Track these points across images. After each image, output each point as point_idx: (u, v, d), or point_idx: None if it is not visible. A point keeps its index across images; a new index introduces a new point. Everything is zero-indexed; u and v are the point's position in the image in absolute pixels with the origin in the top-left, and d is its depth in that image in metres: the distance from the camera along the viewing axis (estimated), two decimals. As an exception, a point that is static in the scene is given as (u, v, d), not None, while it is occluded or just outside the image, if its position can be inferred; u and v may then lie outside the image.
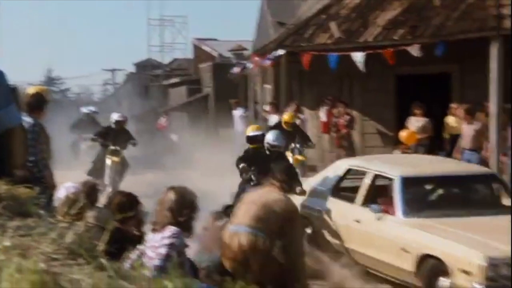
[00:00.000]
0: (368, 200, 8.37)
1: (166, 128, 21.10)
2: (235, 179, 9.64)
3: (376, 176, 8.56)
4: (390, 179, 8.35)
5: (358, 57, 14.21)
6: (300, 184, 9.10)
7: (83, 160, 14.89)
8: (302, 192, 9.01)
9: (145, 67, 36.37)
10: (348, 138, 15.07)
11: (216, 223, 5.98)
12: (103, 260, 4.01)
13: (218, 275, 5.54)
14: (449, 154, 13.19)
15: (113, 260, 4.56)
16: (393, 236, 7.74)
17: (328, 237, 8.75)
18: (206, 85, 27.20)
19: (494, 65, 13.02)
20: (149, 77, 34.67)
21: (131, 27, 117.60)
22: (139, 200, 5.43)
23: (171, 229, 4.47)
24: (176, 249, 4.42)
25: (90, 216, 5.41)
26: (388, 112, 15.59)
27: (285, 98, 16.28)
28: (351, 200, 8.68)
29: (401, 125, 14.55)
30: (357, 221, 8.26)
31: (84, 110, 17.78)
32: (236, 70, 20.43)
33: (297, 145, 13.21)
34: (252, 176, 9.13)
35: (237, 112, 19.04)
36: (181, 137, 20.53)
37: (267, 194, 5.95)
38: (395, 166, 8.71)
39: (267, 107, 16.98)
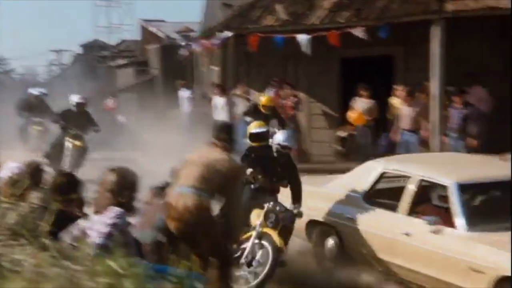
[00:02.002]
0: (414, 210, 7.49)
1: (114, 109, 20.97)
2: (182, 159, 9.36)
3: (421, 182, 7.55)
4: (442, 186, 7.36)
5: (304, 39, 14.37)
6: (298, 200, 8.09)
7: (33, 144, 14.57)
8: (299, 214, 8.03)
9: (92, 48, 35.99)
10: (295, 119, 15.24)
11: (156, 199, 6.02)
12: (46, 241, 4.07)
13: (164, 236, 5.61)
14: (392, 135, 13.50)
15: (56, 241, 4.61)
16: (456, 253, 6.76)
17: (363, 249, 7.83)
18: (154, 67, 27.10)
19: (436, 47, 13.32)
20: (96, 58, 34.33)
21: (76, 8, 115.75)
22: (80, 180, 5.45)
23: (114, 210, 4.53)
24: (119, 228, 4.48)
25: (34, 197, 5.41)
26: (333, 94, 15.80)
27: (232, 80, 16.38)
28: (391, 208, 7.72)
29: (346, 107, 14.79)
30: (406, 234, 7.30)
31: (33, 91, 16.51)
32: (183, 51, 20.41)
33: (276, 130, 12.57)
34: (255, 179, 7.93)
35: (184, 93, 19.05)
36: (128, 118, 20.45)
37: (210, 154, 5.89)
38: (446, 171, 7.61)
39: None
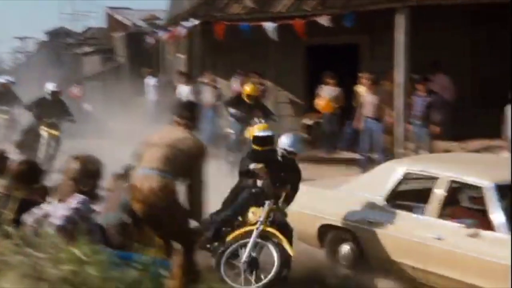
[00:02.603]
0: (445, 212, 7.13)
1: (80, 97, 20.82)
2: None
3: (451, 183, 7.18)
4: (475, 187, 7.06)
5: (270, 27, 14.44)
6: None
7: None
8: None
9: (58, 36, 35.63)
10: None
11: (120, 182, 5.98)
12: (9, 228, 4.09)
13: (129, 217, 5.60)
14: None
15: (19, 229, 4.61)
16: (497, 257, 6.40)
17: (386, 255, 7.39)
18: (120, 55, 26.96)
19: (401, 36, 13.46)
20: (61, 45, 34.00)
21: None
22: (42, 168, 5.45)
23: (77, 197, 4.54)
24: (80, 214, 4.50)
25: (-2, 185, 5.40)
26: (299, 82, 15.90)
27: (198, 68, 16.38)
28: (417, 211, 7.37)
29: (312, 95, 14.90)
30: (438, 238, 6.93)
31: None
32: (150, 39, 20.34)
33: (262, 120, 12.33)
34: (266, 175, 7.44)
35: (150, 81, 19.01)
36: (94, 106, 20.34)
37: (172, 133, 5.80)
38: (479, 171, 7.24)
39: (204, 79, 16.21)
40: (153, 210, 5.33)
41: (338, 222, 7.86)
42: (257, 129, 8.15)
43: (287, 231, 7.17)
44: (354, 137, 13.89)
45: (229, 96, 14.56)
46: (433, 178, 7.29)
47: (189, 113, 5.94)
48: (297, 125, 15.40)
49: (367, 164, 13.40)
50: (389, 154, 13.51)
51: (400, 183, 7.66)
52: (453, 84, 13.75)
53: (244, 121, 12.59)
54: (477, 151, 12.97)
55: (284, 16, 14.64)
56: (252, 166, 7.31)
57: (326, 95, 14.56)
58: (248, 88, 12.87)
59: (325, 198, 8.19)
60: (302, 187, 7.97)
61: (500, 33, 13.52)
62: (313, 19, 13.99)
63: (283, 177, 7.48)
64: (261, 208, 7.19)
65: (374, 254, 7.50)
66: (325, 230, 8.04)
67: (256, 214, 7.18)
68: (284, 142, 7.71)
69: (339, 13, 13.91)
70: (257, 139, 7.93)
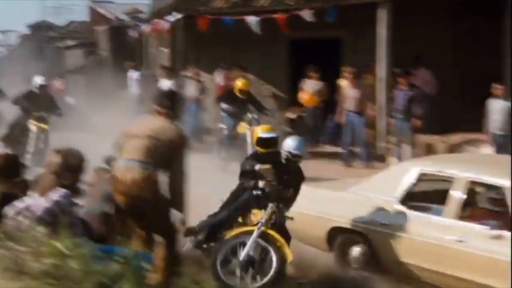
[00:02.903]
0: (464, 214, 6.94)
1: (62, 91, 20.72)
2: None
3: (470, 184, 7.01)
4: (496, 188, 6.88)
5: (253, 21, 14.47)
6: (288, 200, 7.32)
7: None
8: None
9: (40, 29, 35.39)
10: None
11: (100, 176, 5.95)
12: (-10, 222, 4.10)
13: (111, 208, 5.58)
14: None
15: (0, 223, 4.63)
16: None
17: (401, 257, 7.19)
18: (103, 48, 26.85)
19: (383, 30, 13.53)
20: (44, 39, 33.80)
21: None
22: (23, 163, 5.44)
23: (58, 190, 4.55)
24: (61, 207, 4.50)
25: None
26: (282, 76, 15.94)
27: (181, 61, 16.38)
28: (434, 212, 7.18)
29: (295, 88, 14.95)
30: (459, 241, 6.72)
31: None
32: (132, 33, 20.29)
33: (254, 115, 12.25)
34: (261, 185, 7.21)
35: (133, 75, 18.97)
36: (77, 100, 20.27)
37: (153, 123, 5.72)
38: (499, 172, 6.98)
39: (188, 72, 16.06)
40: (135, 201, 5.32)
41: (349, 225, 7.64)
42: (261, 131, 7.81)
43: (286, 235, 7.06)
44: (336, 131, 13.97)
45: (212, 90, 14.56)
46: (451, 179, 7.10)
47: (169, 102, 5.86)
48: (280, 119, 15.45)
49: (349, 158, 13.49)
50: (371, 148, 13.64)
51: (414, 184, 7.44)
52: (434, 78, 13.85)
53: (237, 116, 12.44)
54: (458, 144, 13.09)
55: (267, 10, 14.67)
56: (258, 166, 7.13)
57: (309, 89, 14.63)
58: (240, 83, 12.67)
59: (335, 200, 7.97)
60: (311, 189, 7.91)
61: (481, 27, 13.62)
62: (295, 13, 14.03)
63: (286, 180, 7.29)
64: (263, 210, 7.04)
65: (389, 257, 7.30)
66: (335, 233, 7.81)
67: (257, 216, 7.04)
68: (289, 144, 7.48)
69: (322, 7, 13.95)
70: (261, 141, 7.67)
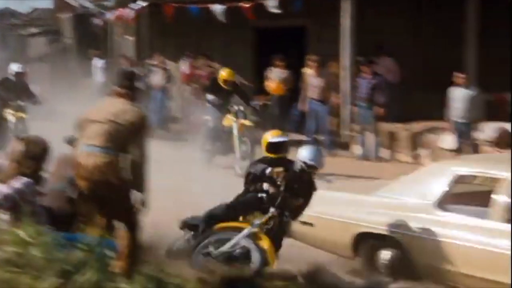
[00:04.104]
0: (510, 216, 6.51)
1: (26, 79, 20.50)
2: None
3: None
4: None
5: (218, 9, 14.48)
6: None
7: None
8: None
9: (2, 16, 34.89)
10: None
11: (62, 160, 5.87)
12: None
13: (74, 192, 5.55)
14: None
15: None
16: None
17: (441, 264, 6.80)
18: (67, 36, 26.61)
19: (346, 19, 13.65)
20: (6, 26, 33.34)
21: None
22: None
23: (21, 179, 4.55)
24: (22, 194, 4.50)
25: None
26: (248, 64, 15.97)
27: (147, 50, 16.34)
28: (477, 215, 6.71)
29: (261, 77, 15.00)
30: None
31: None
32: (97, 21, 20.16)
33: (241, 107, 11.76)
34: (284, 179, 6.89)
35: (97, 63, 18.86)
36: (41, 88, 20.09)
37: (113, 106, 5.63)
38: None
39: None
40: (97, 187, 5.31)
41: (380, 230, 7.21)
42: (271, 136, 7.35)
43: (277, 244, 6.78)
44: (301, 119, 14.07)
45: (178, 78, 14.51)
46: (495, 179, 6.73)
47: (129, 82, 5.78)
48: (245, 107, 15.49)
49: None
50: (335, 136, 13.78)
51: (452, 185, 7.03)
52: (397, 66, 14.01)
53: (222, 108, 11.90)
54: (421, 132, 13.29)
55: (232, -1, 14.68)
56: (269, 170, 6.83)
57: (275, 77, 14.69)
58: (224, 73, 12.11)
59: (362, 204, 7.49)
60: (332, 192, 7.73)
61: (443, 16, 13.80)
62: (260, 1, 14.06)
63: (296, 189, 6.92)
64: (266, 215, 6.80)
65: (426, 263, 6.93)
66: (362, 239, 7.37)
67: (259, 217, 6.79)
68: (303, 155, 7.04)
69: (287, -4, 14.00)
70: (271, 146, 7.24)
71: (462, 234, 6.67)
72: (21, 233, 4.05)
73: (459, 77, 12.14)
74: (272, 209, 6.76)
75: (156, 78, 15.69)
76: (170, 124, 15.83)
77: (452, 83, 12.18)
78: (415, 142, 13.26)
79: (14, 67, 12.99)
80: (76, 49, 24.63)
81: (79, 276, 4.70)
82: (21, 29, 32.11)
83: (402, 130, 13.45)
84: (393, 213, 7.15)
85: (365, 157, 13.12)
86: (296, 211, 6.99)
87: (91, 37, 22.02)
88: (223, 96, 11.93)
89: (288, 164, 7.09)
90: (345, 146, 13.63)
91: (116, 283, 4.91)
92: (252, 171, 7.03)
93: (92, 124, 5.45)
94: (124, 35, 19.09)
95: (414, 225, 6.97)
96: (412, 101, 13.34)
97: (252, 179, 6.98)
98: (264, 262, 6.49)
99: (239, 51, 15.80)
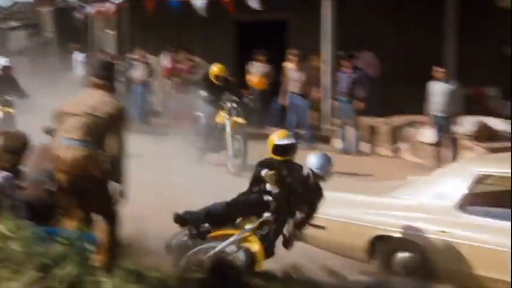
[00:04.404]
0: None
1: (6, 73, 20.37)
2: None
3: None
4: None
5: (199, 3, 14.48)
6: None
7: None
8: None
9: (-18, 10, 34.62)
10: (191, 83, 15.37)
11: (41, 151, 5.83)
12: None
13: (53, 185, 5.53)
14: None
15: None
16: None
17: (464, 267, 6.63)
18: (48, 29, 26.47)
19: (327, 13, 13.69)
20: (-14, 20, 33.10)
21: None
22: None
23: (0, 173, 4.54)
24: (0, 189, 4.49)
25: None
26: (229, 58, 15.96)
27: (128, 44, 16.31)
28: (501, 217, 6.51)
29: (242, 71, 15.02)
30: None
31: None
32: (78, 14, 20.07)
33: (234, 104, 11.48)
34: (276, 182, 6.63)
35: (78, 57, 18.80)
36: (22, 82, 19.98)
37: (90, 98, 5.60)
38: None
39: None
40: (77, 180, 5.31)
41: (397, 233, 7.03)
42: (277, 138, 7.02)
43: (269, 252, 6.54)
44: (282, 113, 14.11)
45: (159, 73, 14.49)
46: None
47: (106, 72, 5.75)
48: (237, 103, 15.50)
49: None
50: (316, 130, 13.83)
51: (472, 186, 6.83)
52: (378, 61, 14.09)
53: (215, 104, 11.62)
54: (401, 126, 13.38)
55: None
56: (264, 172, 6.59)
57: (256, 71, 14.71)
58: (216, 68, 11.83)
59: (378, 206, 7.29)
60: (345, 195, 7.55)
61: (423, 11, 13.88)
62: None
63: (300, 195, 6.68)
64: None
65: (448, 266, 6.77)
66: (378, 242, 7.19)
67: (253, 222, 6.58)
68: (312, 162, 6.77)
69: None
70: (277, 148, 6.89)
71: (484, 236, 6.49)
72: (1, 227, 4.05)
73: (438, 71, 12.22)
74: (266, 214, 6.53)
75: (137, 72, 15.67)
76: (151, 118, 15.82)
77: (431, 78, 12.26)
78: (395, 136, 13.35)
79: (2, 61, 12.83)
80: (56, 43, 24.51)
81: (58, 270, 4.70)
82: (1, 22, 31.90)
83: (382, 124, 13.54)
84: (411, 215, 6.97)
85: (345, 151, 13.18)
86: (302, 221, 6.71)
87: (71, 31, 21.92)
88: (215, 92, 11.65)
89: (294, 167, 6.81)
90: (326, 140, 13.70)
91: (96, 277, 4.91)
92: (254, 172, 6.82)
93: (70, 117, 5.43)
94: (105, 29, 19.04)
95: (434, 227, 6.80)
96: (392, 95, 13.42)
97: (254, 180, 6.78)
98: (250, 263, 6.32)
99: (220, 45, 15.81)
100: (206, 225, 6.61)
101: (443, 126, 12.19)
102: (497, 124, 12.63)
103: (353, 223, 7.37)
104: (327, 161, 6.82)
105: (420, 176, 8.27)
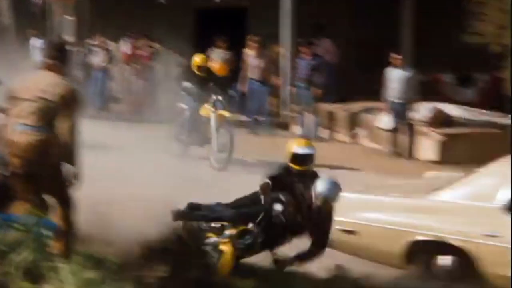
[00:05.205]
0: None
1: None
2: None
3: None
4: None
5: (159, -10, 14.45)
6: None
7: None
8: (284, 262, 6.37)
9: None
10: (151, 70, 15.36)
11: None
12: None
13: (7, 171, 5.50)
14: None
15: None
16: None
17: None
18: (4, 16, 26.11)
19: (286, 0, 13.78)
20: None
21: None
22: None
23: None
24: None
25: None
26: (189, 45, 15.96)
27: (87, 30, 16.19)
28: None
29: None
30: None
31: None
32: (37, 0, 19.83)
33: (219, 97, 11.07)
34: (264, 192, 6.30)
35: (35, 43, 18.60)
36: (-21, 69, 19.72)
37: (42, 81, 5.49)
38: None
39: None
40: (31, 165, 5.30)
41: (438, 237, 6.71)
42: (296, 145, 6.59)
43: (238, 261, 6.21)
44: (241, 99, 14.18)
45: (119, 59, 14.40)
46: None
47: (58, 53, 5.64)
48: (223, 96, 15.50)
49: (255, 126, 13.74)
50: (275, 116, 13.94)
51: None
52: (336, 48, 14.22)
53: (198, 97, 11.23)
54: (359, 113, 13.56)
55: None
56: (263, 182, 6.30)
57: (217, 58, 14.71)
58: (197, 59, 11.47)
59: (416, 209, 6.93)
60: (378, 197, 7.24)
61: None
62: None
63: (307, 214, 6.32)
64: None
65: (491, 271, 6.47)
66: (418, 246, 6.83)
67: (232, 230, 6.24)
68: (319, 187, 6.32)
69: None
70: (295, 157, 6.48)
71: None
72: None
73: (395, 58, 12.40)
74: (250, 225, 6.19)
75: (97, 59, 15.57)
76: (111, 104, 15.76)
77: (389, 64, 12.43)
78: (353, 122, 13.53)
79: None
80: (14, 29, 24.21)
81: (15, 255, 4.73)
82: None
83: (341, 110, 13.70)
84: (454, 218, 6.64)
85: (304, 137, 13.29)
86: (309, 253, 6.33)
87: (29, 17, 21.66)
88: (198, 83, 11.27)
89: (310, 179, 6.39)
90: (285, 126, 13.82)
91: (53, 263, 4.95)
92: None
93: (22, 102, 5.40)
94: (64, 14, 18.85)
95: (478, 231, 6.47)
96: (350, 82, 13.57)
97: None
98: (217, 262, 6.06)
99: (180, 32, 15.76)
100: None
101: (400, 112, 12.38)
102: (452, 110, 12.88)
103: (388, 228, 6.96)
104: (334, 187, 6.37)
105: (439, 173, 8.19)
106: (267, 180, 6.30)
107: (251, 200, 6.45)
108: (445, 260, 6.70)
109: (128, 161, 10.25)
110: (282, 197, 6.32)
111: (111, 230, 6.74)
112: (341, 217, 6.78)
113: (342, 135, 13.57)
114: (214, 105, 11.00)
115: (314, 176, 6.46)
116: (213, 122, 10.97)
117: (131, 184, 8.75)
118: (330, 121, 13.69)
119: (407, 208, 7.00)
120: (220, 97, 11.01)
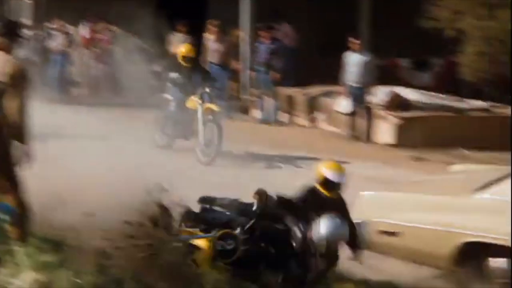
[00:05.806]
0: None
1: None
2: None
3: None
4: None
5: (118, -27, 14.35)
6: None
7: None
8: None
9: None
10: (110, 53, 15.29)
11: None
12: None
13: None
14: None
15: None
16: None
17: None
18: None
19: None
20: None
21: None
22: None
23: None
24: None
25: None
26: (149, 28, 15.91)
27: (45, 13, 16.03)
28: None
29: (162, 42, 15.00)
30: None
31: None
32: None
33: (207, 89, 10.62)
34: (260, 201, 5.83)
35: (-7, 28, 18.37)
36: None
37: None
38: None
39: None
40: None
41: (492, 239, 6.27)
42: (329, 170, 6.08)
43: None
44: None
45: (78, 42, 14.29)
46: None
47: (6, 30, 5.53)
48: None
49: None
50: (235, 100, 14.01)
51: None
52: (294, 32, 14.32)
53: (184, 88, 10.84)
54: (317, 97, 13.70)
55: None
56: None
57: (178, 42, 14.71)
58: (183, 49, 11.08)
59: (464, 208, 6.50)
60: (420, 196, 6.88)
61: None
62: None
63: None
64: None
65: None
66: (469, 249, 6.41)
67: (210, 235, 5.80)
68: (323, 226, 5.74)
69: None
70: (326, 182, 6.03)
71: None
72: None
73: (353, 42, 12.55)
74: (238, 230, 5.74)
75: (56, 42, 15.45)
76: (70, 88, 15.66)
77: (347, 48, 12.57)
78: (312, 106, 13.66)
79: None
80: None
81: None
82: None
83: (300, 94, 13.82)
84: (504, 218, 6.12)
85: (264, 121, 13.41)
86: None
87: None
88: (184, 74, 10.87)
89: (339, 208, 5.97)
90: (245, 111, 13.90)
91: (9, 246, 4.97)
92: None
93: None
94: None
95: None
96: (309, 66, 13.68)
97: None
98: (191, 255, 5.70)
99: (140, 15, 15.70)
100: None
101: (358, 96, 12.55)
102: (409, 93, 13.09)
103: (434, 229, 6.57)
104: (339, 227, 5.79)
105: (465, 166, 7.85)
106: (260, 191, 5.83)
107: (246, 206, 6.01)
108: (499, 263, 6.32)
109: (87, 145, 10.23)
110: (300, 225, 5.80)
111: (68, 216, 6.76)
112: (381, 219, 6.57)
113: (301, 119, 13.70)
114: (201, 97, 10.59)
115: (342, 203, 6.07)
116: (200, 115, 10.57)
117: (90, 167, 8.75)
118: (289, 105, 13.81)
119: (454, 207, 6.59)
120: (207, 89, 10.64)
